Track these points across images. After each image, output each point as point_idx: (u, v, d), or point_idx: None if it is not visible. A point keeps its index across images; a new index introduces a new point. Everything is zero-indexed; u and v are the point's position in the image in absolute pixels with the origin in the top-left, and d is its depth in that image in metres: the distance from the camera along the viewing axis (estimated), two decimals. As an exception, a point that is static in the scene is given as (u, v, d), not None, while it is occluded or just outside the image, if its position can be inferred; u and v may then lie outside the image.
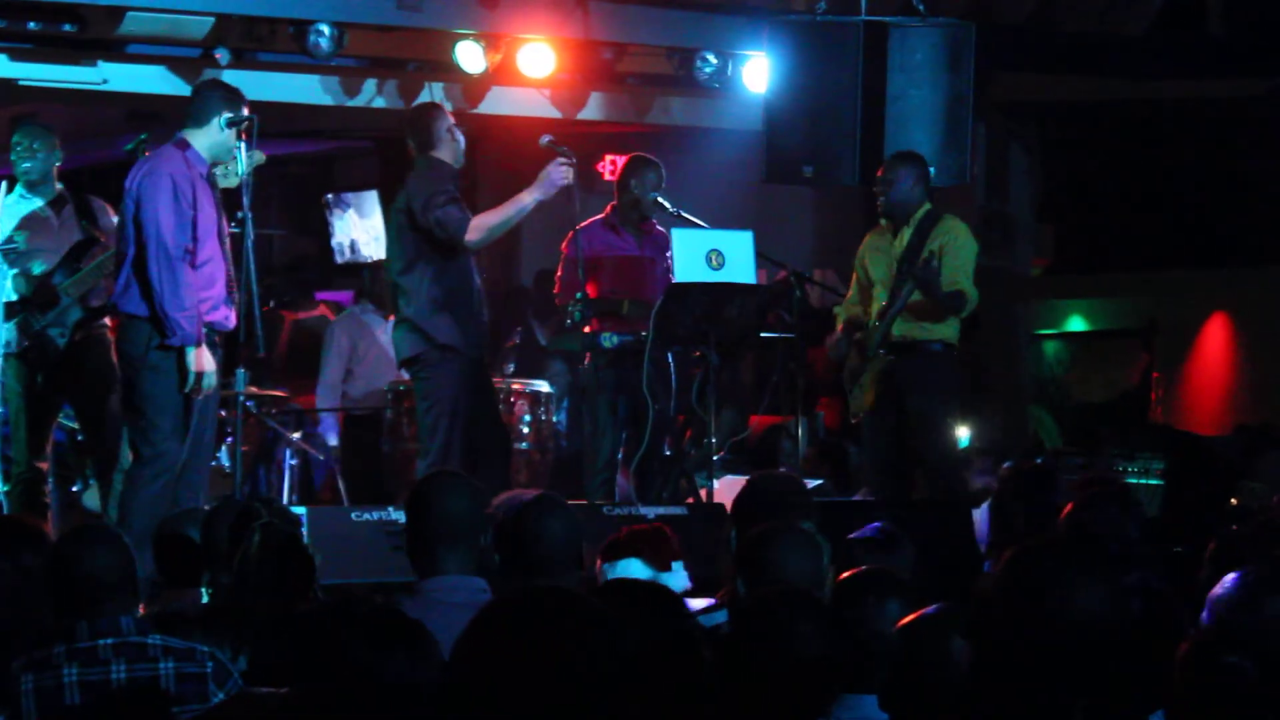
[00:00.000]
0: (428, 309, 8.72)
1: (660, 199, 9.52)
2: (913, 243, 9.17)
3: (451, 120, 8.96)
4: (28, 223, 8.99)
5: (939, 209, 9.34)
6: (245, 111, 8.06)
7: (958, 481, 9.17)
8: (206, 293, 7.98)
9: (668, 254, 9.36)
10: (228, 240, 8.11)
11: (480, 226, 8.75)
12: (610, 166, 14.16)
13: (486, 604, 2.92)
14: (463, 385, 8.78)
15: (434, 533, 5.07)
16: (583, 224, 9.31)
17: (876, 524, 6.16)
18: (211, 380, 7.91)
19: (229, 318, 8.08)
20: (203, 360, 7.85)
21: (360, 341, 11.71)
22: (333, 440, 11.88)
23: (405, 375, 10.18)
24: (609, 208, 9.61)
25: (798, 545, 5.05)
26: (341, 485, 10.83)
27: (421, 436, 8.86)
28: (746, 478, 9.81)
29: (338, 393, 11.74)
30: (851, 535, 6.01)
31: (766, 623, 3.99)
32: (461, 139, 8.93)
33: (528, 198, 8.78)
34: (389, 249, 9.07)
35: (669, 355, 9.14)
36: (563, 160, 8.76)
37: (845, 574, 4.52)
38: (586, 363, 9.30)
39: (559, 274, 9.47)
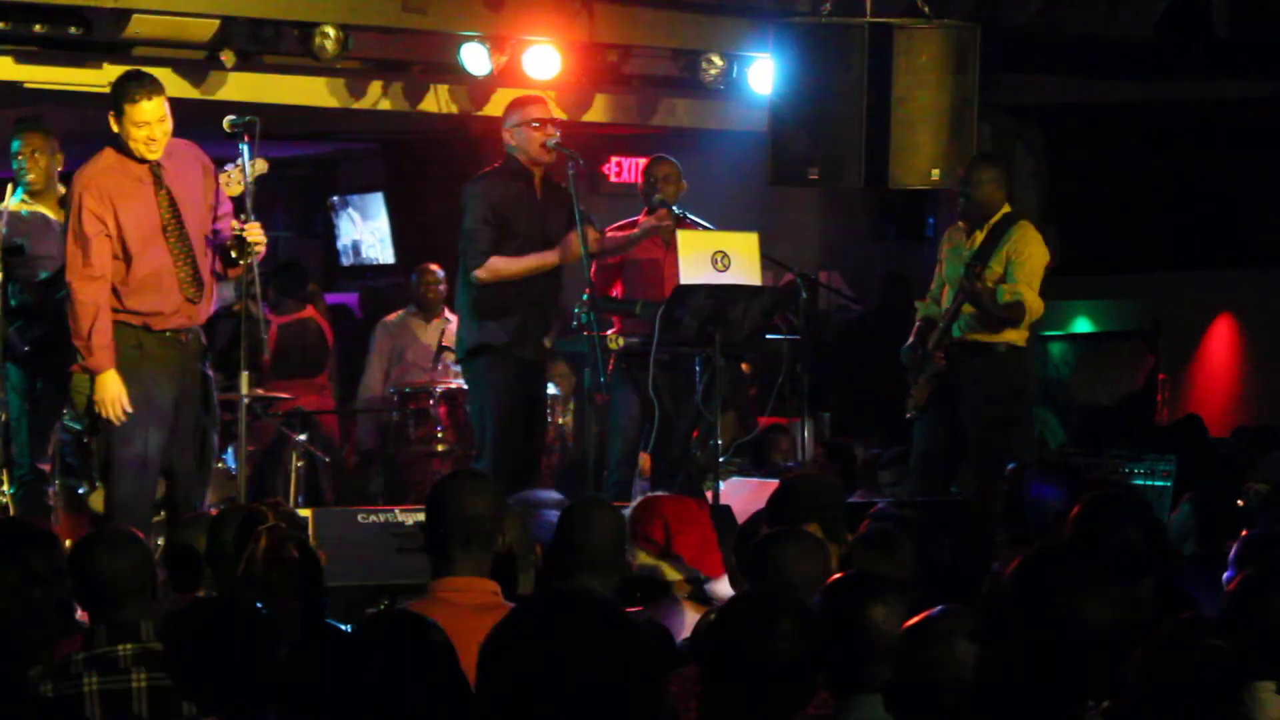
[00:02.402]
0: (483, 307, 8.76)
1: (663, 200, 9.56)
2: (984, 246, 9.34)
3: (521, 116, 8.93)
4: (30, 226, 8.99)
5: (1017, 213, 9.45)
6: (140, 98, 7.75)
7: (995, 483, 9.16)
8: (161, 306, 7.85)
9: None
10: (189, 235, 7.88)
11: (493, 268, 8.78)
12: (615, 168, 14.17)
13: (514, 607, 2.89)
14: (506, 385, 8.80)
15: (449, 532, 5.02)
16: (613, 226, 9.40)
17: (877, 525, 6.17)
18: (110, 411, 7.76)
19: (193, 316, 7.96)
20: (105, 389, 7.74)
21: (398, 344, 11.89)
22: (369, 444, 12.02)
23: (421, 378, 10.24)
24: (643, 212, 9.68)
25: (802, 548, 5.04)
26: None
27: (474, 437, 8.95)
28: (753, 479, 9.90)
29: (376, 396, 11.88)
30: (852, 536, 6.01)
31: (747, 621, 4.00)
32: (522, 136, 8.87)
33: (550, 257, 8.83)
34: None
35: (695, 360, 9.15)
36: (585, 231, 8.72)
37: (838, 575, 4.53)
38: (609, 365, 9.34)
39: (592, 275, 9.45)
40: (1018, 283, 9.24)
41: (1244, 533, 6.10)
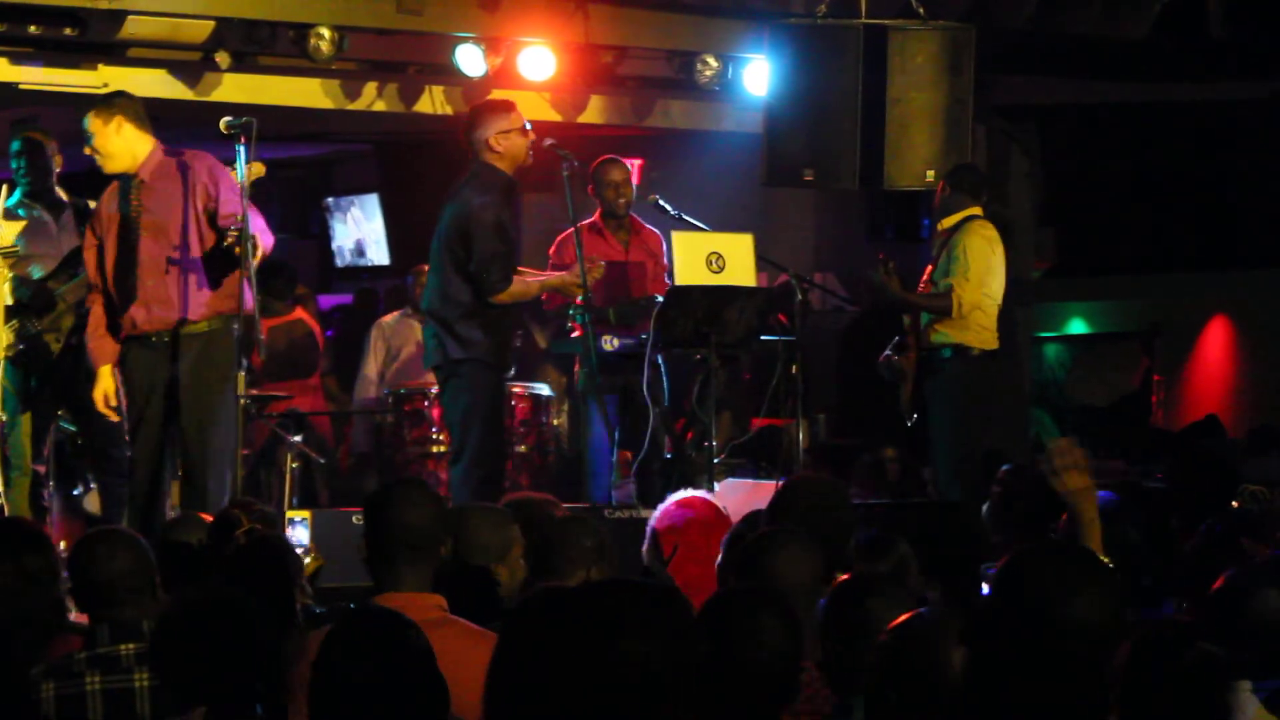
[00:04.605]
0: (465, 318, 8.69)
1: (661, 201, 9.63)
2: (939, 247, 9.54)
3: (503, 124, 8.74)
4: (27, 227, 8.99)
5: (984, 216, 9.53)
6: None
7: (955, 483, 9.22)
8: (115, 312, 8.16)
9: (662, 255, 9.45)
10: (141, 253, 8.08)
11: (514, 294, 8.72)
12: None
13: (529, 597, 2.85)
14: (494, 393, 8.80)
15: (391, 545, 4.80)
16: (568, 230, 9.33)
17: (873, 528, 6.15)
18: (96, 404, 8.16)
19: (152, 321, 8.11)
20: (98, 384, 8.15)
21: (393, 345, 11.88)
22: (364, 446, 11.98)
23: (416, 379, 10.20)
24: (597, 213, 9.69)
25: (794, 550, 5.00)
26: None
27: (450, 440, 8.93)
28: (748, 481, 9.91)
29: (370, 397, 11.87)
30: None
31: (730, 618, 4.01)
32: (513, 145, 8.71)
33: (554, 280, 8.95)
34: (433, 251, 8.96)
35: (658, 358, 9.16)
36: (581, 277, 8.79)
37: (842, 578, 4.52)
38: (575, 368, 9.36)
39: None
40: (953, 275, 9.34)
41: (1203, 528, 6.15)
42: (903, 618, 3.72)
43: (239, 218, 7.86)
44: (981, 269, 9.37)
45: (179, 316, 8.06)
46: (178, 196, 8.07)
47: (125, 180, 8.17)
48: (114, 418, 8.22)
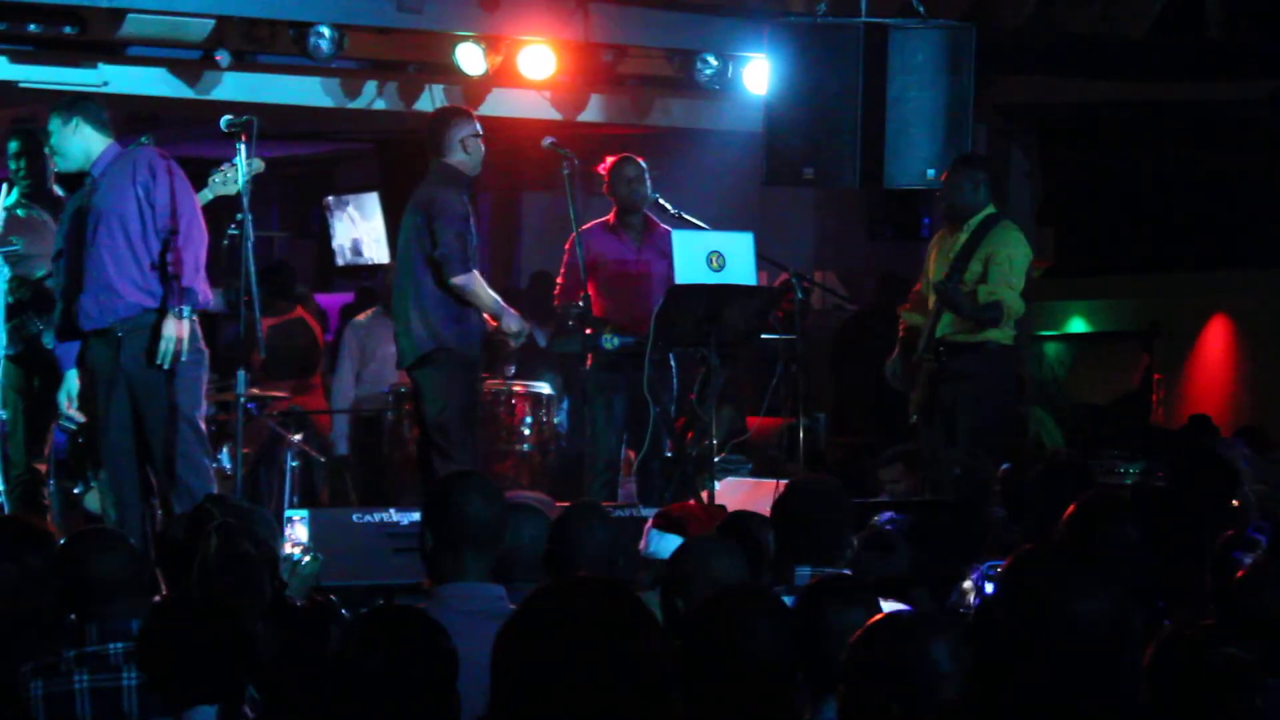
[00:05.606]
0: (438, 311, 8.80)
1: (661, 200, 9.63)
2: (965, 247, 9.32)
3: (473, 129, 9.06)
4: (26, 227, 9.00)
5: (1001, 214, 9.45)
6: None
7: (970, 477, 9.19)
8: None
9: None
10: (88, 243, 8.15)
11: (476, 283, 8.93)
12: (610, 169, 14.16)
13: (533, 591, 2.85)
14: (471, 386, 8.92)
15: (456, 536, 4.87)
16: (584, 227, 9.39)
17: (878, 525, 6.16)
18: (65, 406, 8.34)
19: (102, 313, 8.17)
20: (63, 385, 8.31)
21: (368, 344, 11.82)
22: (343, 448, 11.91)
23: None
24: (612, 212, 9.68)
25: (723, 555, 5.01)
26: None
27: (442, 438, 8.94)
28: (749, 480, 9.91)
29: (349, 398, 11.83)
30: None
31: (725, 619, 4.01)
32: (478, 150, 9.02)
33: (504, 311, 9.10)
34: (400, 249, 9.08)
35: (670, 356, 9.19)
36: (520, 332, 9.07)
37: (812, 579, 4.55)
38: (587, 365, 9.36)
39: (560, 277, 9.53)
40: (996, 283, 9.22)
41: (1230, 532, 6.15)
42: (876, 617, 3.72)
43: (240, 216, 7.97)
44: (1020, 275, 9.32)
45: (125, 302, 8.10)
46: (124, 191, 8.14)
47: (82, 179, 8.26)
48: (78, 418, 8.30)
